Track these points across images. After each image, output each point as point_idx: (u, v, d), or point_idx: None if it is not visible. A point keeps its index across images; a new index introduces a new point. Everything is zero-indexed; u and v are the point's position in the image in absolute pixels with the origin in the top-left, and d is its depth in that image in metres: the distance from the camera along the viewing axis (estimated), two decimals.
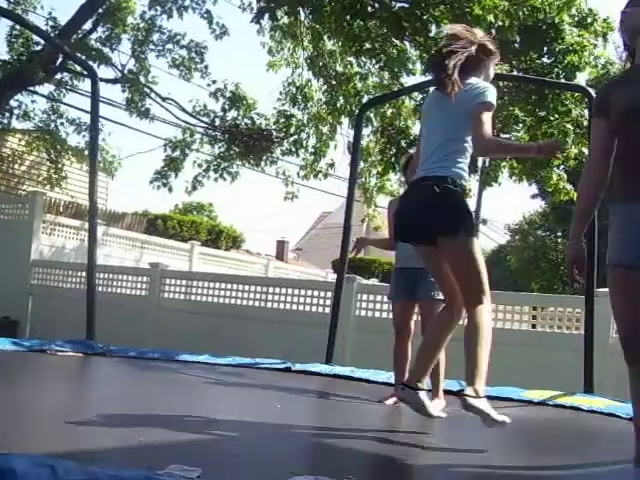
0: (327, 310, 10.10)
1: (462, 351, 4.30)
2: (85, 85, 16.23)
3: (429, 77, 13.83)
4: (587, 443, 5.11)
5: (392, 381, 6.76)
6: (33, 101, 16.54)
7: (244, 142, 15.77)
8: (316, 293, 11.03)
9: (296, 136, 15.71)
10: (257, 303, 11.54)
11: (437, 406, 5.62)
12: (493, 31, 12.34)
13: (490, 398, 6.59)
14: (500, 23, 11.86)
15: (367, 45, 13.21)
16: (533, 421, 5.91)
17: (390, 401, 6.07)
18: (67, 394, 5.55)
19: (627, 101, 3.29)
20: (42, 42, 14.44)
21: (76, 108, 16.88)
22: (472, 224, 4.37)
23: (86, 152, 15.63)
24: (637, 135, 3.22)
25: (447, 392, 6.05)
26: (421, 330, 6.00)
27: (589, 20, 13.08)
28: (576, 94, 12.05)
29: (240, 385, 6.79)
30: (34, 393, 5.18)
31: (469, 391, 4.19)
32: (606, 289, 3.33)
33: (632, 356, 3.20)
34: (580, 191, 3.67)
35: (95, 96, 9.44)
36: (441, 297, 5.85)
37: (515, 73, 12.75)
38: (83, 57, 13.32)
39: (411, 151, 6.75)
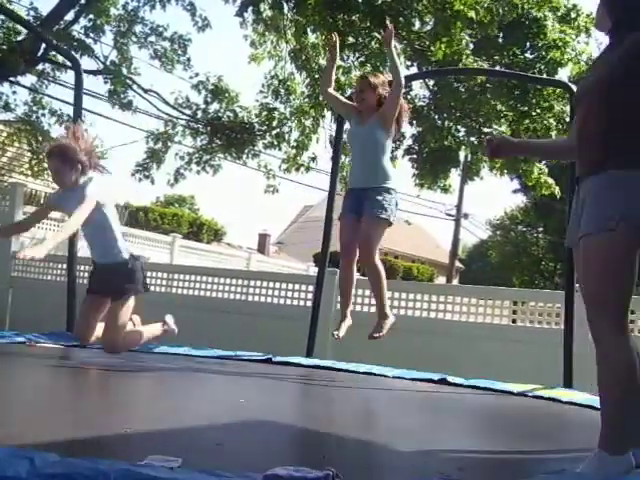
0: (308, 304, 10.08)
1: None
2: (67, 76, 16.16)
3: (411, 71, 13.92)
4: (564, 430, 5.14)
5: (374, 371, 6.87)
6: (14, 92, 16.40)
7: (226, 135, 15.71)
8: (297, 287, 11.01)
9: (278, 129, 15.68)
10: (238, 296, 11.52)
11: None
12: (475, 26, 12.41)
13: (468, 387, 6.69)
14: (481, 19, 11.88)
15: (350, 39, 13.21)
16: (510, 408, 5.93)
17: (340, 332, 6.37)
18: (43, 385, 5.52)
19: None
20: (23, 32, 14.32)
21: (58, 99, 16.76)
22: None
23: None
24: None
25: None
26: (359, 247, 6.14)
27: (572, 15, 13.14)
28: (558, 90, 12.07)
29: (219, 376, 6.77)
30: (11, 384, 5.15)
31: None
32: None
33: None
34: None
35: (79, 87, 9.34)
36: (384, 216, 5.98)
37: (498, 68, 12.79)
38: (65, 48, 13.22)
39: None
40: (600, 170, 3.18)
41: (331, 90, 6.70)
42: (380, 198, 5.97)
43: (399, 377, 6.92)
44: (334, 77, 6.84)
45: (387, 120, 6.12)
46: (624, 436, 3.13)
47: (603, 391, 3.22)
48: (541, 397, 6.43)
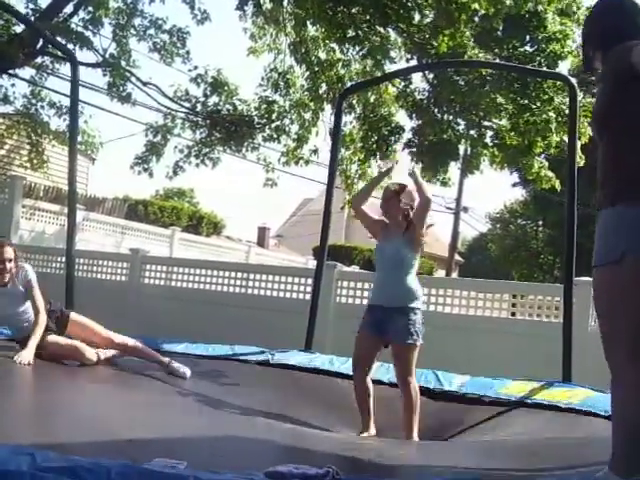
0: (307, 297, 10.08)
1: None
2: (66, 69, 16.05)
3: (411, 64, 13.89)
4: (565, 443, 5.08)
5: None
6: (13, 84, 16.34)
7: (225, 128, 15.67)
8: (297, 280, 11.02)
9: (278, 122, 15.63)
10: (237, 289, 11.52)
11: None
12: (477, 19, 12.36)
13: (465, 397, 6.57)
14: (484, 11, 11.83)
15: (350, 32, 13.15)
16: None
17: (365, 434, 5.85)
18: (47, 388, 5.51)
19: None
20: (22, 25, 14.26)
21: (57, 92, 16.71)
22: None
23: (67, 136, 15.50)
24: None
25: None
26: (396, 377, 5.98)
27: (573, 8, 13.11)
28: (558, 82, 12.04)
29: (218, 380, 6.76)
30: (15, 386, 5.14)
31: None
32: (585, 278, 3.34)
33: None
34: None
35: (75, 81, 9.34)
36: (411, 341, 5.80)
37: (497, 61, 12.76)
38: (64, 41, 13.17)
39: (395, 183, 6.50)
40: (609, 205, 3.18)
41: (364, 207, 6.51)
42: (405, 322, 5.76)
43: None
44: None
45: (414, 239, 5.99)
46: (637, 461, 3.04)
47: (617, 415, 3.15)
48: (541, 405, 6.26)
